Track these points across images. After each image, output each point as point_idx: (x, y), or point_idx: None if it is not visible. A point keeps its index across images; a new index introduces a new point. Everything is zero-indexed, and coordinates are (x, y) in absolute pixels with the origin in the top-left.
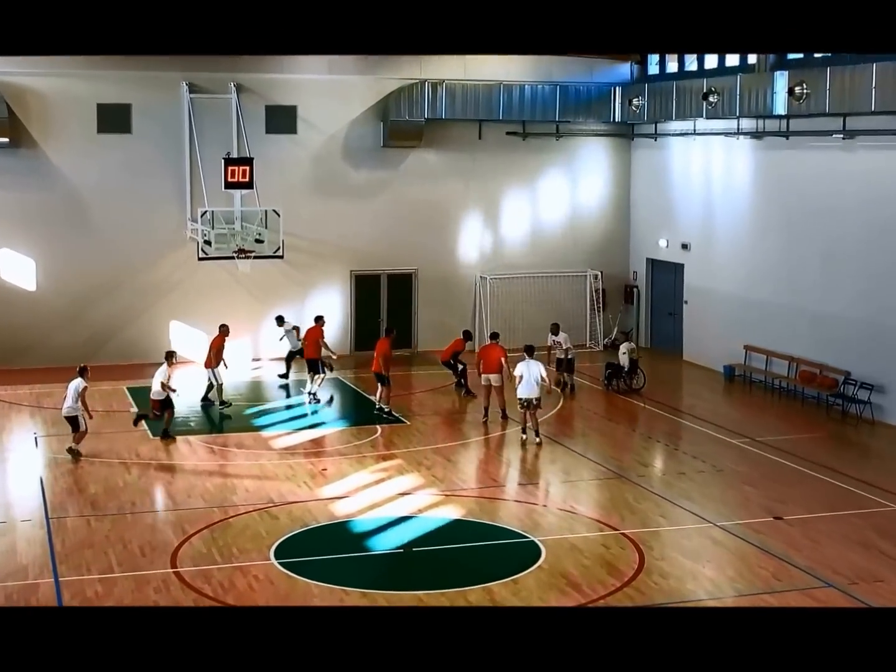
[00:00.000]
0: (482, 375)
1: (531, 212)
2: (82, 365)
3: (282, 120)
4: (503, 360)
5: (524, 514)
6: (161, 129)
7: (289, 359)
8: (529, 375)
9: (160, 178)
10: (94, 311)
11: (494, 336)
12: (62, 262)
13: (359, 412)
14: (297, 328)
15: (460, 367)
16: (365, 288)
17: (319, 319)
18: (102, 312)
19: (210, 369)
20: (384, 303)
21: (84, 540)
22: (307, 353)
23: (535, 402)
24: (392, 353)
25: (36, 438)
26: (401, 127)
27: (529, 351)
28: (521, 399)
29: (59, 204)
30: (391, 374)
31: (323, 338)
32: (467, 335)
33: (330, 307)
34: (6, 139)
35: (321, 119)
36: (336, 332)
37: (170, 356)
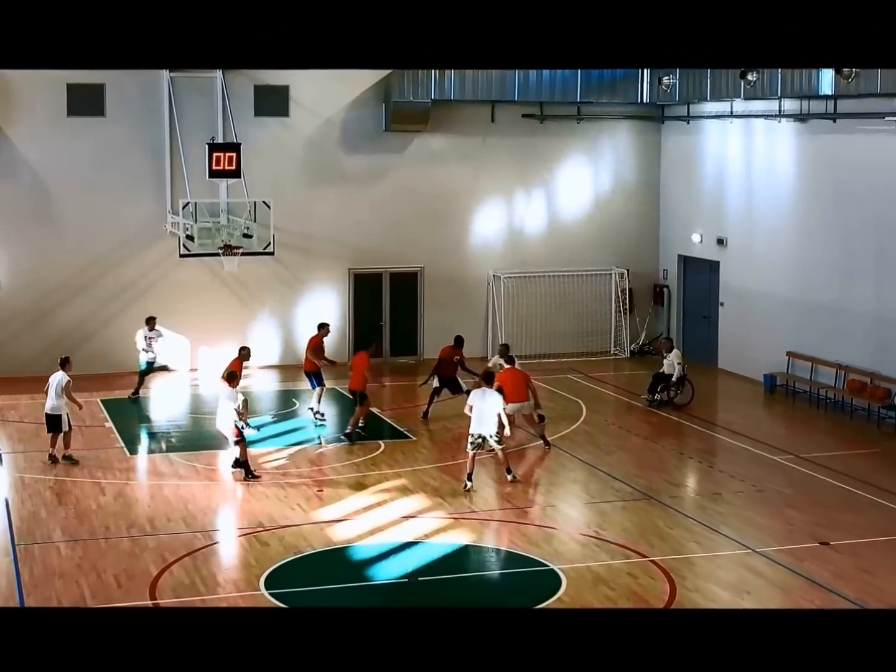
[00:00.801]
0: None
1: (550, 203)
2: (63, 356)
3: (272, 101)
4: (529, 381)
5: (542, 539)
6: (138, 111)
7: (146, 372)
8: (484, 407)
9: (137, 167)
10: (63, 313)
11: (511, 359)
12: (28, 259)
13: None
14: (160, 335)
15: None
16: (365, 288)
17: (323, 327)
18: (72, 315)
19: (308, 373)
20: (386, 305)
21: (54, 569)
22: (307, 366)
23: (491, 438)
24: (370, 367)
25: (0, 456)
26: (404, 109)
27: (488, 379)
28: (473, 436)
29: (24, 194)
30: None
31: (312, 347)
32: (459, 341)
33: (326, 310)
34: None
35: (316, 101)
36: (333, 337)
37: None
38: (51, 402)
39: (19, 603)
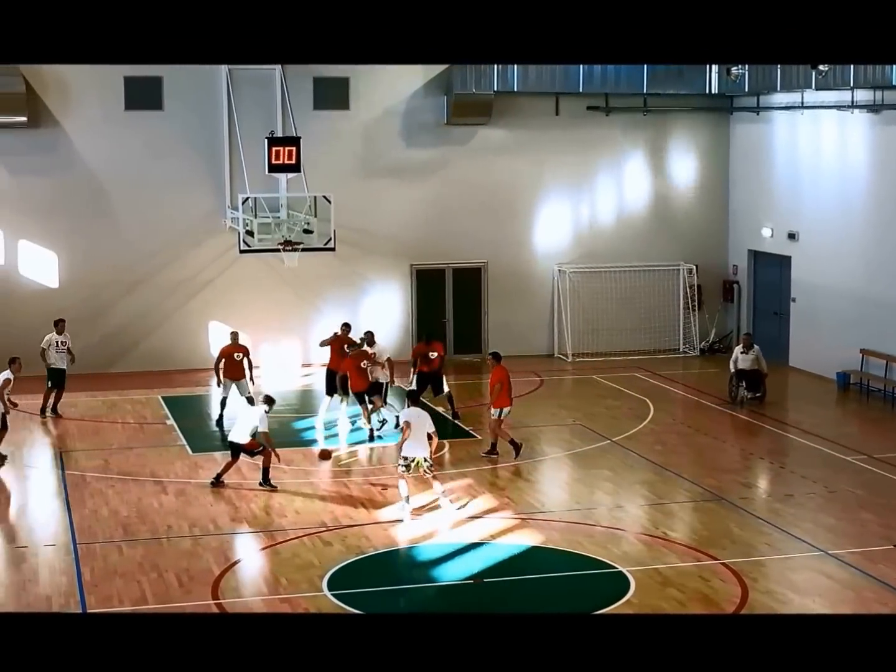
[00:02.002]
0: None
1: (615, 196)
2: (12, 356)
3: (332, 94)
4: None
5: (610, 541)
6: (196, 105)
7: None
8: (418, 427)
9: (195, 161)
10: (120, 309)
11: (497, 356)
12: (84, 254)
13: None
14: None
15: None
16: (427, 284)
17: (346, 327)
18: (129, 311)
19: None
20: (449, 301)
21: (115, 568)
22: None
23: (425, 462)
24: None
25: (61, 454)
26: (466, 101)
27: (413, 396)
28: (405, 458)
29: (82, 189)
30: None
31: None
32: (429, 338)
33: (388, 306)
34: (23, 118)
35: (376, 93)
36: (395, 334)
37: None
38: None
39: (80, 602)
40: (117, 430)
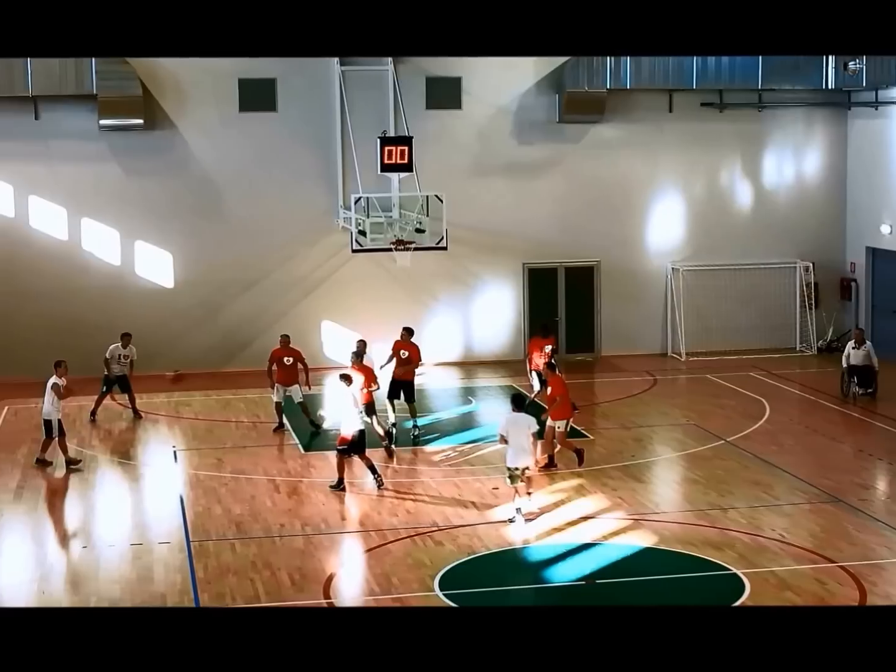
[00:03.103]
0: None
1: (730, 193)
2: (57, 360)
3: (444, 93)
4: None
5: (724, 542)
6: (309, 106)
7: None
8: (519, 435)
9: (308, 162)
10: (234, 309)
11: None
12: (198, 254)
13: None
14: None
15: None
16: (540, 283)
17: (408, 331)
18: (242, 311)
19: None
20: (562, 300)
21: (228, 565)
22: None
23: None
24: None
25: (175, 452)
26: (579, 98)
27: (517, 402)
28: (510, 469)
29: (197, 190)
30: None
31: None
32: (545, 330)
33: (500, 305)
34: (140, 120)
35: (489, 91)
36: (507, 333)
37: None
38: (45, 407)
39: (194, 599)
40: (231, 428)
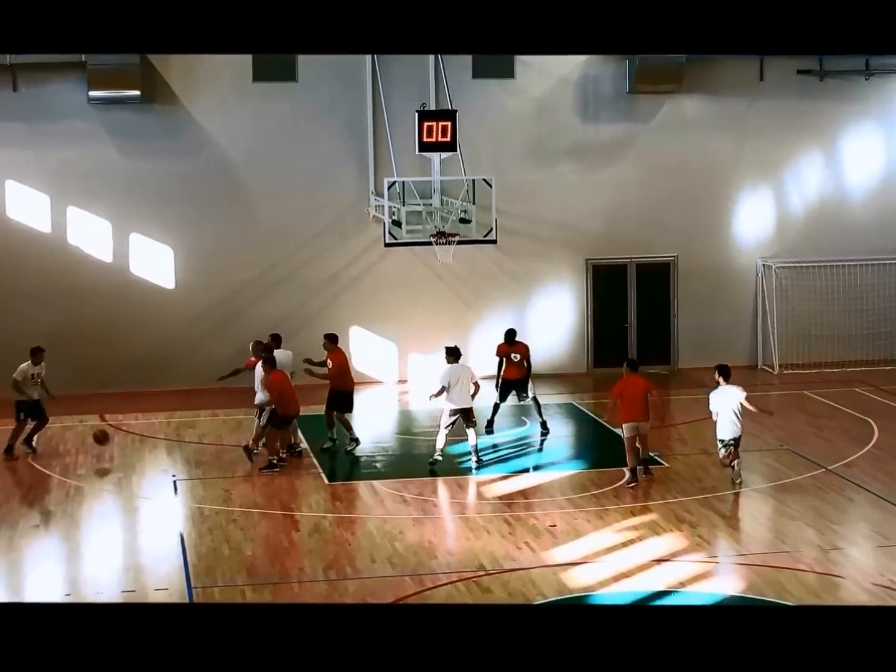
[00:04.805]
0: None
1: (831, 178)
2: (38, 346)
3: (495, 61)
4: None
5: (823, 588)
6: (336, 75)
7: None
8: (724, 406)
9: (334, 140)
10: (251, 314)
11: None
12: (206, 250)
13: (599, 449)
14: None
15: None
16: (606, 282)
17: (512, 334)
18: (262, 316)
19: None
20: (632, 302)
21: None
22: (511, 373)
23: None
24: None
25: (175, 483)
26: (652, 66)
27: (724, 372)
28: (723, 441)
29: (203, 175)
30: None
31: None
32: (510, 336)
33: (559, 309)
34: (136, 91)
35: (546, 59)
36: (567, 342)
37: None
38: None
39: None
40: (241, 454)
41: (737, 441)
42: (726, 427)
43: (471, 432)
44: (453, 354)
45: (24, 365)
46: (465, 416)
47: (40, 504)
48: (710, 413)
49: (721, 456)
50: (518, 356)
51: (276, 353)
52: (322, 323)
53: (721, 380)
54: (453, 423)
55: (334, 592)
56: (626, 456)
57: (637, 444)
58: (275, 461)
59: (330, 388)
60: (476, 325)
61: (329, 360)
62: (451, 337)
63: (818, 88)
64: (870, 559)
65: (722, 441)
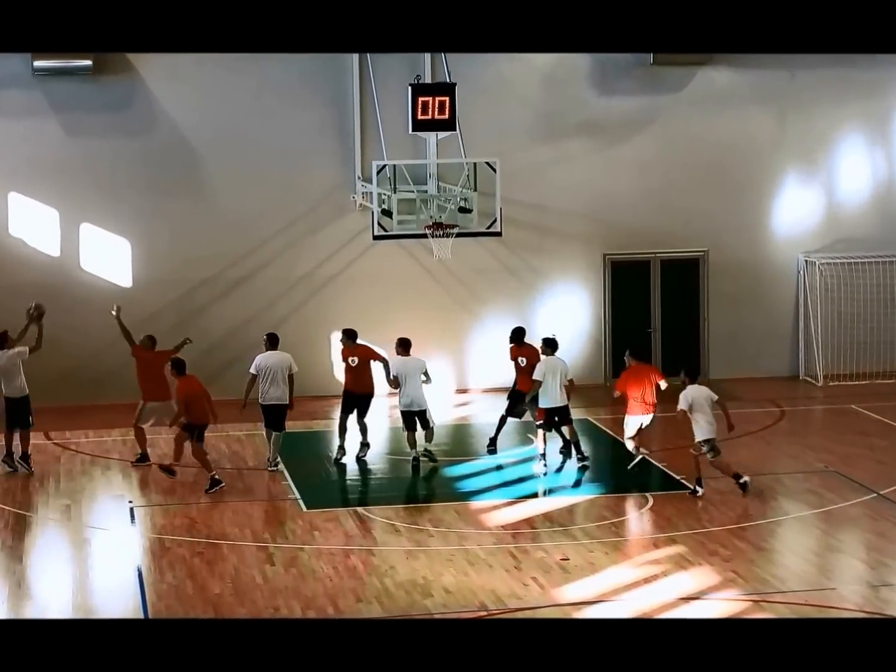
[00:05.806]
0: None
1: (882, 162)
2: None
3: None
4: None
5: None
6: None
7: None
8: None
9: (313, 116)
10: (215, 315)
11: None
12: (168, 243)
13: (618, 472)
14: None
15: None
16: (627, 281)
17: (520, 333)
18: (228, 318)
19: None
20: (656, 303)
21: None
22: (521, 383)
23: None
24: None
25: (132, 510)
26: None
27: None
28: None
29: (162, 156)
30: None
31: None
32: (518, 335)
33: (572, 311)
34: (88, 62)
35: None
36: (581, 348)
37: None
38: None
39: None
40: (206, 477)
41: (711, 442)
42: (705, 427)
43: (422, 433)
44: (403, 346)
45: None
46: (421, 417)
47: None
48: (678, 412)
49: (709, 458)
50: (525, 360)
51: (273, 355)
52: (300, 326)
53: (688, 380)
54: (411, 426)
55: None
56: (630, 456)
57: (636, 440)
58: (217, 476)
59: (352, 392)
60: (475, 331)
61: (355, 358)
62: (447, 344)
63: (866, 59)
64: None
65: (707, 441)
